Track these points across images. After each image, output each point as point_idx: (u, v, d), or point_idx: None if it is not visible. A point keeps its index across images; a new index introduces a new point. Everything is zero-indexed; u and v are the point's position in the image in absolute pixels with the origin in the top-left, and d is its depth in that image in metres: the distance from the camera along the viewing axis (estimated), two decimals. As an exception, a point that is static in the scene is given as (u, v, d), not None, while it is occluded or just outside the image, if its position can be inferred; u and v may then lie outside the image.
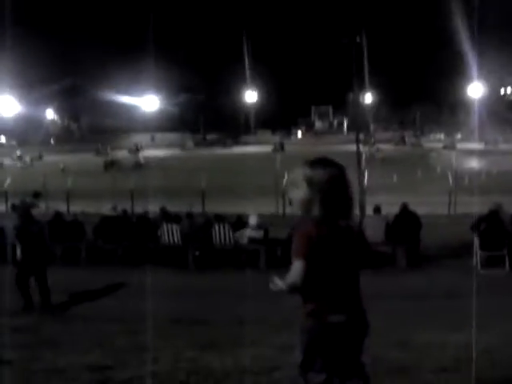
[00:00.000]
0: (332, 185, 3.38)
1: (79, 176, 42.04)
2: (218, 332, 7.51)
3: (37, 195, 33.78)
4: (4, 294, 11.31)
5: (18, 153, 77.43)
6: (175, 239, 16.24)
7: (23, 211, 12.19)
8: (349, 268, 3.40)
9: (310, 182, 3.37)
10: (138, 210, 19.67)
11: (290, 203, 3.55)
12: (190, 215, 17.66)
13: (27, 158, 72.61)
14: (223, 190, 29.56)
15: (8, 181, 31.15)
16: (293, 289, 3.23)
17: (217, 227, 16.07)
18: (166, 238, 16.23)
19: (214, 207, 23.20)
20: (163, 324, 6.71)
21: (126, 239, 16.38)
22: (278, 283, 3.20)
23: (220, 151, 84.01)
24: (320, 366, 3.30)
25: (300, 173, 3.47)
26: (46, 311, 10.44)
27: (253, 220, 16.10)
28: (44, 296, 10.89)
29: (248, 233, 15.95)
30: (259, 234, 15.96)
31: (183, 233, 16.34)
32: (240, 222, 16.86)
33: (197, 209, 23.41)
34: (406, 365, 5.10)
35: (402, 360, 5.29)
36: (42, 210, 29.88)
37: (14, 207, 19.44)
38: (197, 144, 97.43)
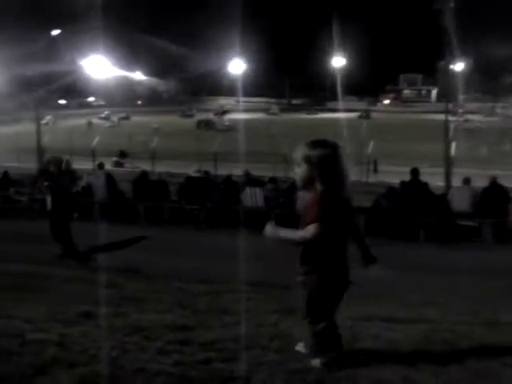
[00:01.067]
0: (328, 162, 3.93)
1: (169, 136, 42.70)
2: (299, 298, 7.41)
3: (123, 154, 34.52)
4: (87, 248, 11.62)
5: (106, 112, 79.04)
6: (258, 203, 16.24)
7: (55, 166, 12.65)
8: (345, 232, 4.13)
9: (309, 161, 3.93)
10: (222, 172, 19.74)
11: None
12: (273, 180, 17.60)
13: (114, 118, 74.05)
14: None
15: (96, 140, 31.79)
16: (303, 242, 3.99)
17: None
18: (249, 201, 16.24)
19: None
20: (245, 287, 6.65)
21: (210, 201, 16.47)
22: (279, 232, 4.09)
23: (305, 117, 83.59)
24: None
25: (300, 153, 4.01)
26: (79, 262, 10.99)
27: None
28: (65, 245, 11.73)
29: (332, 199, 15.79)
30: (342, 201, 15.77)
31: (266, 197, 16.32)
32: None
33: (280, 173, 23.35)
34: (491, 343, 4.89)
35: (488, 339, 5.08)
36: (128, 168, 30.59)
37: (99, 166, 19.83)
38: (282, 109, 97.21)
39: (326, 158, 3.93)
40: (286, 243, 4.02)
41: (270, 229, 4.14)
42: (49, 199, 12.08)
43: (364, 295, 7.60)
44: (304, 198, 4.24)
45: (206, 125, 65.60)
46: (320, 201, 3.90)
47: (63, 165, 13.04)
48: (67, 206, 12.19)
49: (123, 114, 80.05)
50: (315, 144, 4.00)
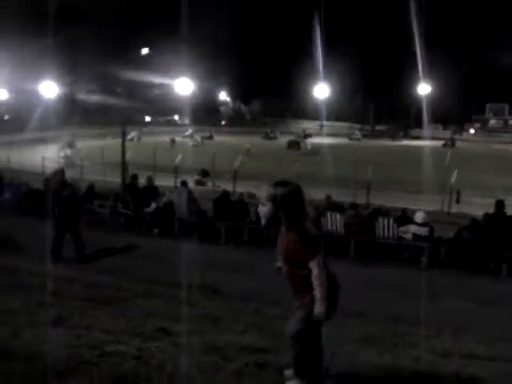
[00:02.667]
0: (290, 199, 4.29)
1: (254, 158, 42.97)
2: (375, 327, 7.29)
3: (205, 173, 34.88)
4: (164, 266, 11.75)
5: (190, 131, 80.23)
6: (337, 228, 16.12)
7: (58, 177, 14.19)
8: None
9: (273, 200, 4.28)
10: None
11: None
12: (354, 205, 17.46)
13: (198, 137, 75.02)
14: (389, 183, 29.01)
15: (179, 157, 32.25)
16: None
17: (381, 220, 15.77)
18: (329, 225, 16.14)
19: (379, 199, 22.83)
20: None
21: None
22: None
23: (388, 143, 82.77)
24: None
25: (265, 193, 4.37)
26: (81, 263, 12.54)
27: (419, 216, 15.64)
28: (79, 250, 13.26)
29: (413, 229, 15.53)
30: (424, 230, 15.48)
31: (346, 222, 16.19)
32: (405, 217, 16.44)
33: (361, 200, 23.14)
34: None
35: None
36: (208, 187, 30.90)
37: (182, 183, 20.10)
38: (365, 135, 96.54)
39: (290, 195, 4.29)
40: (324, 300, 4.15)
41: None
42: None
43: (442, 330, 7.43)
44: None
45: (296, 145, 66.88)
46: (307, 237, 4.25)
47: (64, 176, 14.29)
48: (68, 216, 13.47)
49: (207, 134, 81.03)
50: (278, 184, 4.37)
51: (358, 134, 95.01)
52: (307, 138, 78.11)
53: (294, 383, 4.23)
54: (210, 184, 32.30)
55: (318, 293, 4.11)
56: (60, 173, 14.51)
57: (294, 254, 4.27)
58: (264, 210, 4.23)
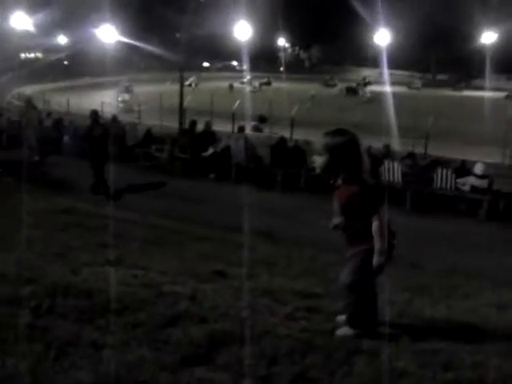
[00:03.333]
0: (347, 149, 4.10)
1: (317, 105, 42.66)
2: (430, 279, 7.26)
3: (263, 119, 34.82)
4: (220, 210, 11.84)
5: (248, 77, 79.88)
6: (396, 178, 15.98)
7: (92, 118, 15.20)
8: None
9: (329, 150, 4.10)
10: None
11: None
12: (412, 155, 17.25)
13: (256, 83, 74.68)
14: (448, 134, 28.51)
15: (236, 103, 32.21)
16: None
17: (439, 171, 15.55)
18: (387, 175, 16.00)
19: (438, 150, 22.48)
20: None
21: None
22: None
23: (449, 93, 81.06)
24: None
25: (320, 142, 4.18)
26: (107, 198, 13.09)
27: (478, 168, 15.37)
28: (104, 187, 13.91)
29: (472, 181, 15.28)
30: (483, 183, 15.23)
31: (404, 172, 16.03)
32: (463, 169, 16.18)
33: (419, 150, 22.82)
34: None
35: None
36: (266, 133, 30.86)
37: (240, 129, 20.13)
38: (425, 84, 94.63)
39: (345, 145, 4.10)
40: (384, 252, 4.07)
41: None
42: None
43: (498, 282, 7.36)
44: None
45: (353, 92, 67.07)
46: (367, 190, 4.11)
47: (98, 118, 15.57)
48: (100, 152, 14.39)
49: (265, 80, 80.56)
50: (334, 133, 4.17)
51: (418, 82, 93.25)
52: (366, 85, 77.04)
53: (345, 330, 4.20)
54: (267, 130, 32.26)
55: (378, 245, 4.04)
56: (93, 113, 15.35)
57: (353, 207, 4.15)
58: (319, 160, 4.24)
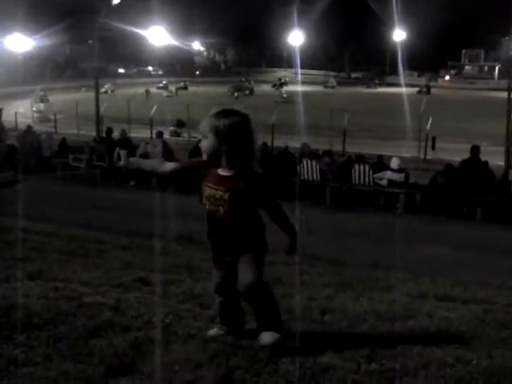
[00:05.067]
0: (236, 132, 3.60)
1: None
2: (350, 273, 7.39)
3: (181, 124, 34.71)
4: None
5: (164, 82, 79.52)
6: (314, 176, 16.19)
7: None
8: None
9: (216, 132, 3.60)
10: (279, 143, 19.69)
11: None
12: (329, 153, 17.52)
13: (173, 88, 74.42)
14: (365, 130, 29.11)
15: (153, 109, 32.04)
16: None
17: (357, 167, 15.86)
18: (305, 174, 16.20)
19: (355, 147, 22.92)
20: (299, 260, 6.63)
21: (266, 172, 16.48)
22: None
23: (363, 90, 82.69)
24: None
25: (207, 123, 3.67)
26: None
27: (394, 162, 15.77)
28: None
29: (389, 175, 15.65)
30: (400, 177, 15.62)
31: (322, 169, 16.27)
32: (380, 164, 16.55)
33: (337, 147, 23.21)
34: None
35: None
36: (184, 138, 30.78)
37: (158, 134, 20.04)
38: (340, 82, 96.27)
39: (234, 128, 3.62)
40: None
41: None
42: None
43: (419, 273, 7.55)
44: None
45: (239, 90, 68.45)
46: (258, 180, 3.69)
47: None
48: None
49: (181, 84, 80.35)
50: (223, 113, 3.69)
51: (332, 81, 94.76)
52: (282, 86, 77.79)
53: (271, 337, 3.80)
54: (185, 135, 32.18)
55: (290, 232, 3.81)
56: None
57: (243, 200, 3.69)
58: (205, 143, 3.69)
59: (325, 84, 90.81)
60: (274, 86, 78.49)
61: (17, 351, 3.54)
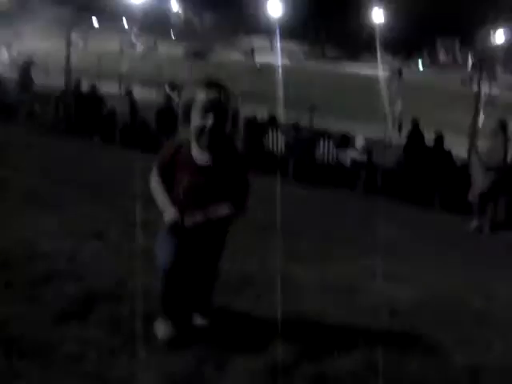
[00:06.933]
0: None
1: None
2: (304, 245, 7.48)
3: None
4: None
5: (138, 40, 78.61)
6: (279, 147, 16.26)
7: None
8: None
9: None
10: (247, 112, 19.63)
11: None
12: (296, 126, 17.58)
13: (146, 46, 73.64)
14: (332, 107, 29.14)
15: (125, 66, 31.69)
16: None
17: (321, 143, 15.97)
18: (270, 144, 16.26)
19: (323, 123, 22.94)
20: (251, 230, 6.71)
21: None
22: None
23: (336, 68, 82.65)
24: None
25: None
26: None
27: (359, 141, 15.90)
28: None
29: (352, 154, 15.79)
30: (363, 157, 15.77)
31: (287, 142, 16.34)
32: (345, 141, 16.66)
33: (305, 122, 23.24)
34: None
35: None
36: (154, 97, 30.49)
37: (127, 93, 19.90)
38: (314, 56, 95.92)
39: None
40: None
41: None
42: None
43: (371, 251, 7.71)
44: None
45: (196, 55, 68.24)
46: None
47: None
48: None
49: (153, 43, 79.37)
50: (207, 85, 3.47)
51: (303, 55, 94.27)
52: (253, 53, 77.24)
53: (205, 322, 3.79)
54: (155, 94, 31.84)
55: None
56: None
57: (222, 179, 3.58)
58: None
59: (299, 58, 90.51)
60: (246, 53, 77.90)
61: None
